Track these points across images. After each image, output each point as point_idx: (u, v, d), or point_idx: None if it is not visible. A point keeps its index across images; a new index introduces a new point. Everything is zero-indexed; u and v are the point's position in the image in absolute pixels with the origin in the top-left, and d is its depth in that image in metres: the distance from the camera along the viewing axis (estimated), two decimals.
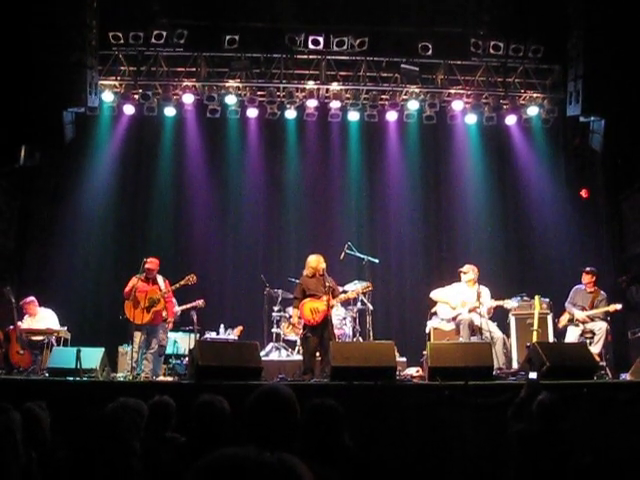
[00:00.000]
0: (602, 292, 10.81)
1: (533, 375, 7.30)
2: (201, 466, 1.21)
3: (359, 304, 11.43)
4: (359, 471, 3.68)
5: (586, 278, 10.85)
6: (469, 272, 10.51)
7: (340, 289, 10.59)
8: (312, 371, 9.52)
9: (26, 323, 10.97)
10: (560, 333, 10.90)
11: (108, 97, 13.01)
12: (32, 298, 11.09)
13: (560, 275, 12.49)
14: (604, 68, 10.99)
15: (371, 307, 11.09)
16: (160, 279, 10.43)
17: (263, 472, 1.19)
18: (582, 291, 10.86)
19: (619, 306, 10.60)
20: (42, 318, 11.05)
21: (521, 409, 5.61)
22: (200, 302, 11.10)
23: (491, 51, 12.59)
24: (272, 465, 1.21)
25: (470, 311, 10.24)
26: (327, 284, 9.85)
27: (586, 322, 10.57)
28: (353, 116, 13.73)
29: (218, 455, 1.22)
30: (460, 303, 10.36)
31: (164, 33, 12.27)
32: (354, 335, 11.43)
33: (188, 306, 11.10)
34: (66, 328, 11.15)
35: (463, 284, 10.55)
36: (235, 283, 13.58)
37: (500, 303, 10.41)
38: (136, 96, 13.12)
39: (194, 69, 13.04)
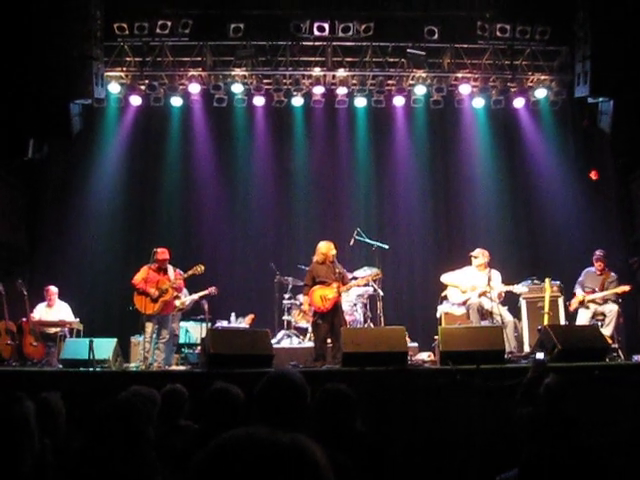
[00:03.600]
0: (612, 274, 10.80)
1: (540, 355, 7.30)
2: (213, 446, 1.22)
3: (370, 290, 11.44)
4: (372, 456, 3.69)
5: (596, 263, 10.85)
6: (479, 256, 10.49)
7: (350, 276, 10.60)
8: (324, 357, 9.55)
9: (42, 311, 11.07)
10: (571, 316, 10.89)
11: (114, 88, 13.03)
12: (56, 289, 11.23)
13: (570, 258, 12.44)
14: (612, 48, 10.89)
15: (381, 293, 11.10)
16: (170, 269, 10.47)
17: (276, 451, 1.19)
18: (592, 273, 10.85)
19: (627, 287, 10.59)
20: (58, 310, 11.17)
21: (529, 391, 5.61)
22: (212, 289, 11.15)
23: (498, 34, 12.51)
24: (285, 444, 1.21)
25: (480, 295, 10.23)
26: (337, 271, 9.87)
27: (597, 304, 10.57)
28: (360, 102, 13.69)
29: (230, 435, 1.23)
30: (470, 287, 10.35)
31: (169, 23, 12.26)
32: (365, 321, 11.46)
33: (201, 294, 11.16)
34: (78, 319, 11.24)
35: (473, 268, 10.52)
36: (245, 271, 13.61)
37: (509, 288, 10.38)
38: (142, 87, 13.13)
39: (200, 58, 13.03)
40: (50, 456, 3.46)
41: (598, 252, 10.90)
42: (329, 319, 9.69)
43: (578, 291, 10.80)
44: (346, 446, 3.40)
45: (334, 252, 10.00)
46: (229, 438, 1.22)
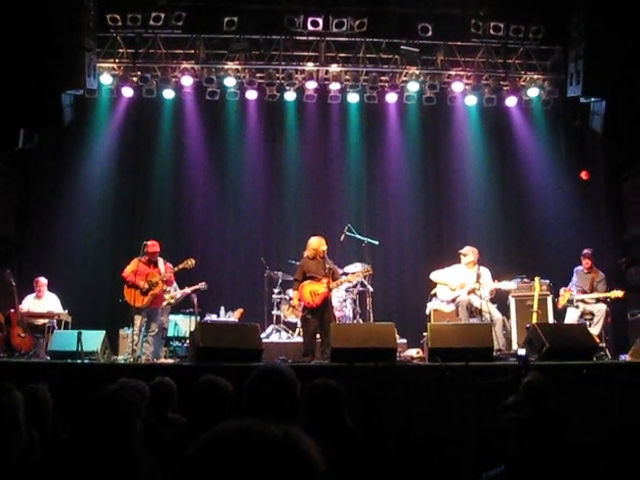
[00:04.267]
0: (601, 272, 10.86)
1: (522, 352, 7.34)
2: (205, 438, 1.21)
3: (359, 286, 11.45)
4: (360, 451, 3.70)
5: (584, 261, 10.89)
6: (468, 254, 10.51)
7: (340, 271, 10.60)
8: (312, 353, 9.55)
9: (31, 302, 11.03)
10: (560, 314, 10.94)
11: (107, 79, 12.96)
12: (46, 280, 11.19)
13: (560, 257, 12.49)
14: (605, 49, 10.92)
15: (371, 289, 11.11)
16: (160, 262, 10.44)
17: (269, 443, 1.19)
18: (581, 272, 10.91)
19: (620, 293, 10.59)
20: (47, 301, 11.14)
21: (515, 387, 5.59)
22: (202, 285, 11.13)
23: (491, 32, 12.53)
24: (278, 437, 1.20)
25: (469, 293, 10.25)
26: (327, 266, 9.85)
27: (586, 303, 10.61)
28: (353, 98, 13.68)
29: (222, 427, 1.22)
30: (459, 285, 10.36)
31: (162, 15, 12.21)
32: (354, 317, 11.46)
33: (191, 289, 11.14)
34: (67, 311, 11.20)
35: (463, 266, 10.54)
36: (235, 265, 13.59)
37: (498, 285, 10.41)
38: (135, 78, 13.08)
39: (193, 51, 12.99)
40: (38, 447, 3.45)
41: (585, 250, 10.96)
42: (319, 314, 9.67)
43: (561, 290, 10.85)
44: (335, 441, 3.40)
45: (325, 247, 9.98)
46: (221, 430, 1.21)
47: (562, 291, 10.86)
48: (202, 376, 4.13)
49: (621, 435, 6.69)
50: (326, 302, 9.71)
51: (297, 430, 1.24)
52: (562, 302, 10.80)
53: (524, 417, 5.05)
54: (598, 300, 10.61)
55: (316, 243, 9.99)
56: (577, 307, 10.66)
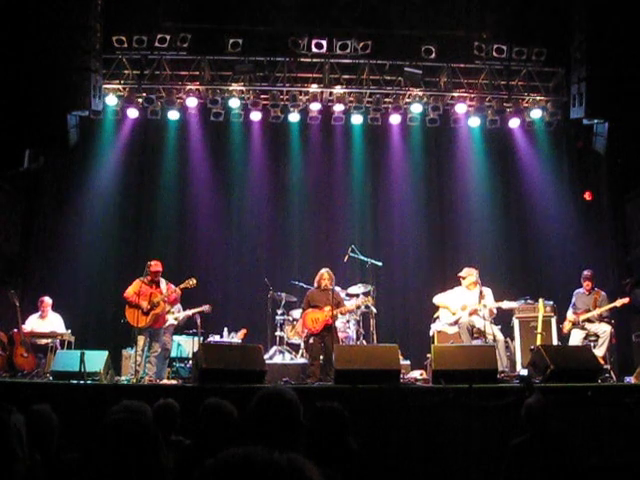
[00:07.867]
0: (602, 292, 10.82)
1: (524, 372, 7.31)
2: (211, 465, 1.21)
3: (363, 307, 11.43)
4: (363, 473, 3.68)
5: (585, 283, 10.86)
6: (468, 276, 10.50)
7: (343, 294, 10.79)
8: (315, 374, 9.55)
9: (34, 322, 11.01)
10: (564, 336, 10.89)
11: (112, 101, 13.04)
12: (50, 300, 11.21)
13: (564, 278, 12.45)
14: (608, 70, 10.98)
15: (375, 310, 11.09)
16: (162, 282, 10.44)
17: (272, 471, 1.19)
18: (582, 294, 10.88)
19: (626, 299, 10.56)
20: (51, 321, 11.13)
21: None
22: (207, 307, 11.11)
23: (494, 54, 12.61)
24: (281, 464, 1.21)
25: (471, 314, 10.23)
26: (330, 295, 10.11)
27: (592, 322, 10.54)
28: (356, 119, 13.74)
29: (227, 454, 1.22)
30: (460, 307, 10.36)
31: (168, 37, 12.31)
32: (358, 338, 11.43)
33: (193, 311, 11.12)
34: (70, 331, 11.19)
35: (464, 288, 10.54)
36: (239, 286, 13.57)
37: (499, 304, 10.39)
38: (140, 100, 13.15)
39: (198, 73, 13.08)
40: (40, 469, 3.44)
41: (586, 272, 10.94)
42: (321, 338, 10.01)
43: (569, 313, 10.81)
44: (338, 463, 3.39)
45: (321, 279, 10.43)
46: (226, 458, 1.22)
47: (570, 317, 10.77)
48: (207, 399, 4.12)
49: (626, 457, 6.64)
50: (327, 328, 10.00)
51: (301, 457, 1.24)
52: (567, 327, 10.74)
53: (525, 439, 5.03)
54: (603, 321, 10.54)
55: (317, 275, 10.51)
56: (584, 328, 10.59)
